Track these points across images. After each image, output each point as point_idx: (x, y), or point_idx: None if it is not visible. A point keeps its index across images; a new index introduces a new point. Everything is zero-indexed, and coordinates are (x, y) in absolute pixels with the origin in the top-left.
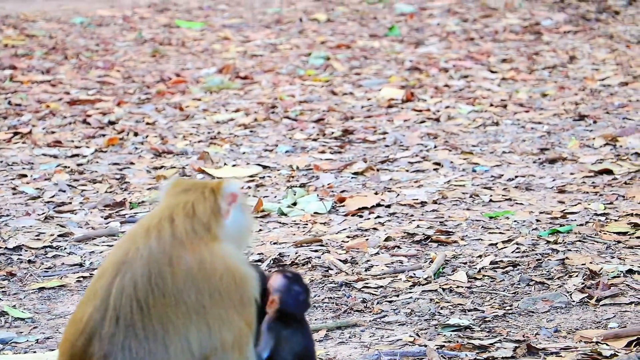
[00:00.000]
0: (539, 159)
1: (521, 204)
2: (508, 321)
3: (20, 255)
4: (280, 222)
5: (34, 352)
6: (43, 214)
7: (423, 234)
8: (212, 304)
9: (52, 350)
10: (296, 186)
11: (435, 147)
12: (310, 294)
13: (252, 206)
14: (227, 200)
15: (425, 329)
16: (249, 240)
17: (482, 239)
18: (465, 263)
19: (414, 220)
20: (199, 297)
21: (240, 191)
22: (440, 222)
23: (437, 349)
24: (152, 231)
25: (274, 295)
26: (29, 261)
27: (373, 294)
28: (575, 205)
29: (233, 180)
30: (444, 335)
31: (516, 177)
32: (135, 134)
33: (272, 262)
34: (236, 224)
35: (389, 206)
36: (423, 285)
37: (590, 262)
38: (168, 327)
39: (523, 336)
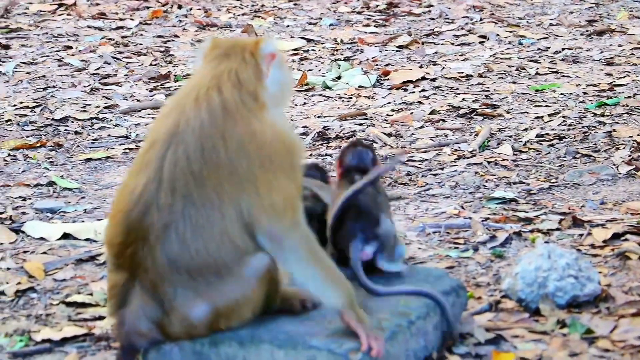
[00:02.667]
0: (587, 31)
1: (568, 76)
2: (553, 194)
3: (67, 126)
4: (324, 96)
5: (82, 221)
6: (89, 85)
7: (468, 107)
8: (262, 171)
9: (100, 220)
10: (340, 60)
11: (481, 20)
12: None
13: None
14: (266, 60)
15: (470, 202)
16: (290, 97)
17: (527, 112)
18: (510, 136)
19: (459, 94)
20: (251, 166)
21: (277, 49)
22: (485, 95)
23: (482, 221)
24: (201, 102)
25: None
26: (76, 132)
27: (418, 167)
28: (623, 77)
29: (269, 39)
30: (489, 207)
31: (563, 49)
32: (179, 7)
33: (316, 135)
34: (276, 82)
35: (434, 79)
36: (468, 158)
37: (638, 134)
38: (223, 196)
39: (569, 208)
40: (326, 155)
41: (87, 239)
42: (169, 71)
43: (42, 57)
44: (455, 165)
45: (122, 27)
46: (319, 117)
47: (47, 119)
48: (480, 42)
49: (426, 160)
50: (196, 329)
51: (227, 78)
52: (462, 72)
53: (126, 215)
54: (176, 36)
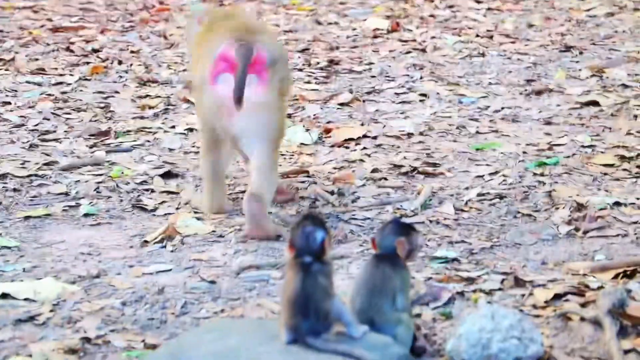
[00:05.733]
0: (525, 90)
1: (508, 135)
2: (495, 253)
3: (6, 183)
4: None
5: (21, 280)
6: (28, 142)
7: (410, 165)
8: None
9: (39, 279)
10: None
11: (421, 78)
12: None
13: None
14: None
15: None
16: None
17: (468, 171)
18: (452, 195)
19: (400, 152)
20: None
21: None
22: (426, 154)
23: (425, 280)
24: None
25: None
26: (14, 189)
27: (360, 226)
28: (562, 137)
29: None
30: (432, 267)
31: (502, 108)
32: (120, 63)
33: None
34: None
35: (375, 137)
36: (410, 217)
37: (577, 195)
38: None
39: (510, 268)
40: (270, 213)
41: (26, 299)
42: (109, 127)
43: None
44: None
45: (61, 83)
46: None
47: None
48: (420, 101)
49: (369, 218)
50: None
51: None
52: (404, 130)
53: None
54: (117, 92)
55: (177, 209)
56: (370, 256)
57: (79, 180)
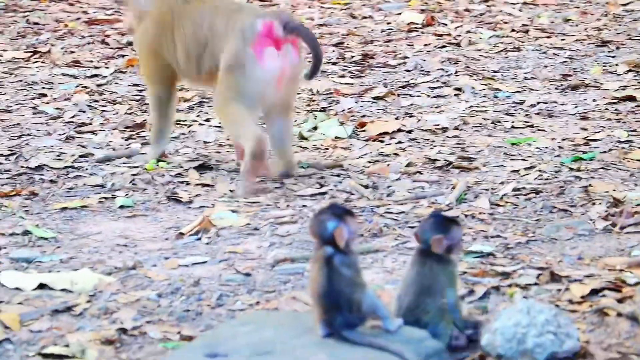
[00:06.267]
0: (561, 85)
1: (543, 130)
2: (531, 248)
3: (42, 175)
4: (301, 147)
5: (58, 271)
6: (64, 134)
7: (445, 159)
8: None
9: (76, 269)
10: (317, 110)
11: (456, 72)
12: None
13: None
14: None
15: None
16: None
17: (504, 166)
18: (487, 189)
19: (435, 146)
20: None
21: None
22: (461, 148)
23: (460, 275)
24: None
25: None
26: (51, 181)
27: (395, 220)
28: (598, 132)
29: None
30: (467, 261)
31: (538, 103)
32: None
33: None
34: None
35: (410, 131)
36: (445, 211)
37: (614, 190)
38: None
39: (546, 263)
40: (303, 206)
41: (63, 289)
42: (145, 120)
43: (16, 104)
44: None
45: (97, 75)
46: None
47: (22, 167)
48: (455, 95)
49: (403, 212)
50: None
51: None
52: (438, 125)
53: None
54: None
55: (213, 204)
56: (415, 251)
57: (114, 172)
